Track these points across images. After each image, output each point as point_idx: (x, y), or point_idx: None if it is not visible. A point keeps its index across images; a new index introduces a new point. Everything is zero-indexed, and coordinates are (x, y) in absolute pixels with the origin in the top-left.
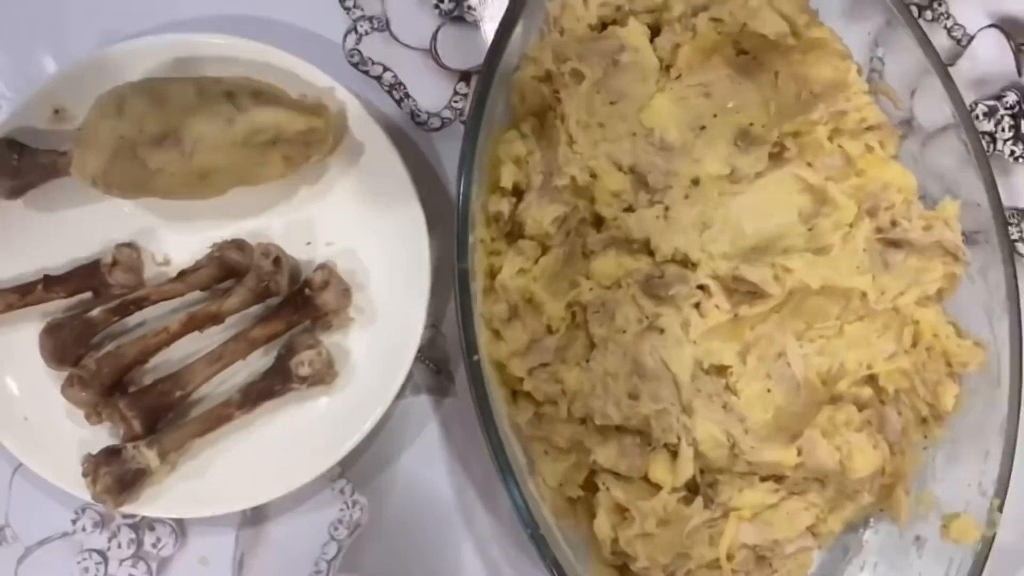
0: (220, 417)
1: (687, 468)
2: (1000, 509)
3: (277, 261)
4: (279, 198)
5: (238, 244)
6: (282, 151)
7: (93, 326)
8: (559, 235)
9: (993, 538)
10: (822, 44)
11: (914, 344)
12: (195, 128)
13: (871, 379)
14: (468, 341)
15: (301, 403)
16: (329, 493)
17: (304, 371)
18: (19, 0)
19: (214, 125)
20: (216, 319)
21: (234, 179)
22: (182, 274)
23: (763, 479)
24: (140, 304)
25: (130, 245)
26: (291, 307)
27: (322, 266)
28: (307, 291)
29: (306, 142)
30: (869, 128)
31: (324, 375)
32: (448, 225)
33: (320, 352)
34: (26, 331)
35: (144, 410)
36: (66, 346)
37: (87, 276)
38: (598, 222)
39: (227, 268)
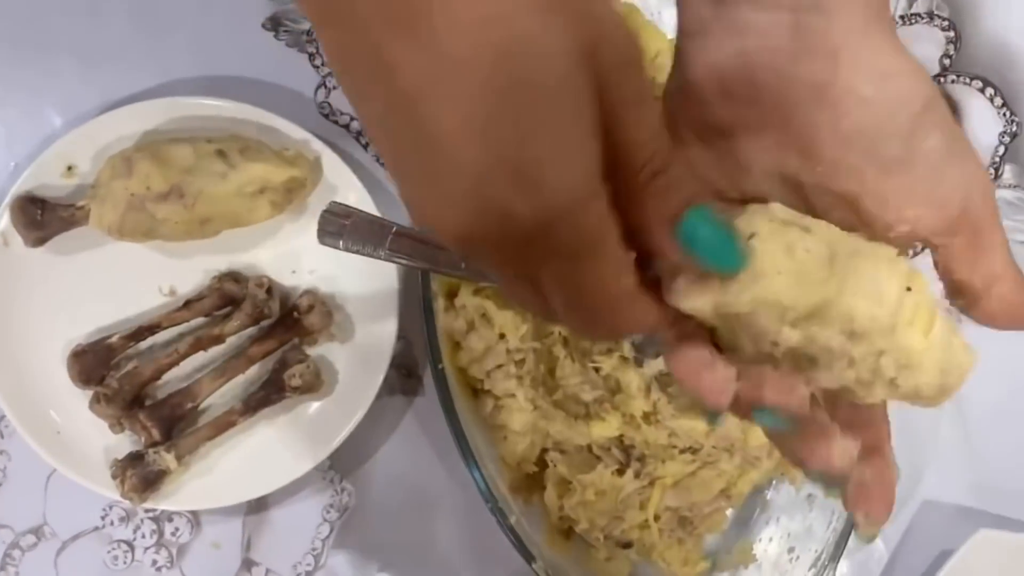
0: (226, 423)
1: (614, 427)
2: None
3: (269, 290)
4: (267, 235)
5: (234, 276)
6: (268, 197)
7: (113, 350)
8: None
9: None
10: None
11: None
12: (194, 184)
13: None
14: (433, 352)
15: (294, 408)
16: (321, 482)
17: (295, 382)
18: (22, 64)
19: (210, 180)
20: (219, 340)
21: (228, 223)
22: (187, 303)
23: (681, 452)
24: (153, 330)
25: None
26: (282, 327)
27: (307, 292)
28: (295, 314)
29: (288, 189)
30: None
31: (312, 384)
32: None
33: (308, 365)
34: (54, 357)
35: (161, 420)
36: (90, 368)
37: (287, 327)
38: None
39: (226, 297)
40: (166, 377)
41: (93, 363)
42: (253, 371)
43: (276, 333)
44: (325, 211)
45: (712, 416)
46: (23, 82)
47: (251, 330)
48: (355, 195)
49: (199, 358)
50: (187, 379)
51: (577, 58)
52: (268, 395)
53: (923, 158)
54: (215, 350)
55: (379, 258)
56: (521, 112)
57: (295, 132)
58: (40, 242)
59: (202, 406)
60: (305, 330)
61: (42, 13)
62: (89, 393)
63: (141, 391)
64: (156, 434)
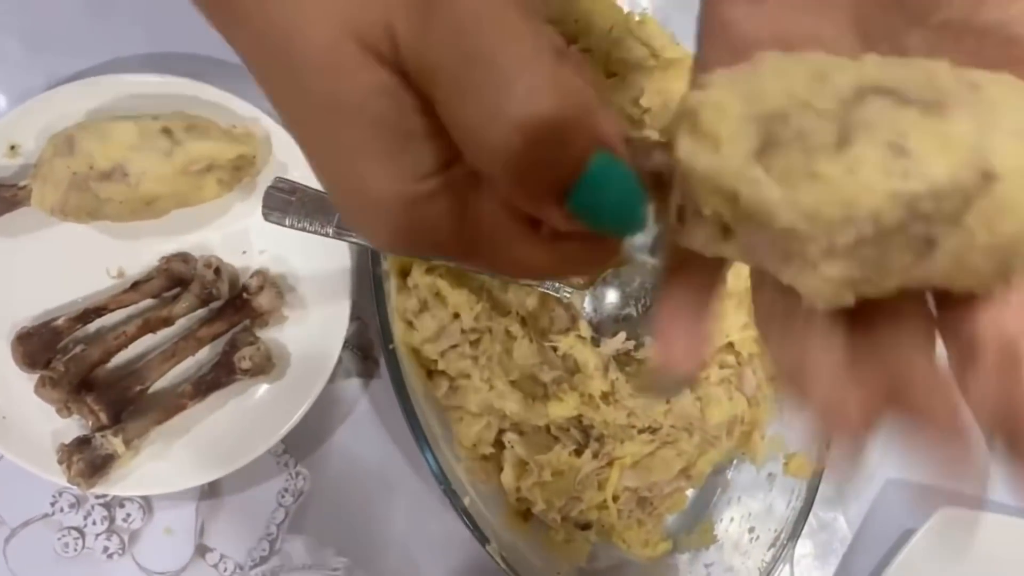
0: (176, 406)
1: (572, 407)
2: (828, 446)
3: (218, 271)
4: (216, 215)
5: (183, 257)
6: (216, 176)
7: (59, 333)
8: None
9: (823, 471)
10: (679, 63)
11: None
12: (138, 163)
13: (730, 345)
14: (385, 332)
15: (246, 390)
16: (275, 466)
17: (246, 364)
18: None
19: (154, 159)
20: (167, 322)
21: (175, 203)
22: (135, 284)
23: (640, 431)
24: (100, 312)
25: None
26: (232, 309)
27: (257, 272)
28: (245, 295)
29: (236, 167)
30: None
31: (263, 367)
32: None
33: (259, 347)
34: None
35: (110, 404)
36: (36, 351)
37: (236, 308)
38: None
39: (174, 278)
40: (114, 360)
41: (39, 346)
42: (203, 353)
43: (226, 315)
44: (270, 187)
45: (671, 387)
46: None
47: (201, 312)
48: (304, 172)
49: (148, 340)
50: (136, 361)
51: (371, 76)
52: (218, 378)
53: None
54: (164, 332)
55: (326, 235)
56: (332, 135)
57: (244, 109)
58: None
59: (152, 389)
60: (255, 311)
61: None
62: (35, 377)
63: (88, 374)
64: (104, 418)
